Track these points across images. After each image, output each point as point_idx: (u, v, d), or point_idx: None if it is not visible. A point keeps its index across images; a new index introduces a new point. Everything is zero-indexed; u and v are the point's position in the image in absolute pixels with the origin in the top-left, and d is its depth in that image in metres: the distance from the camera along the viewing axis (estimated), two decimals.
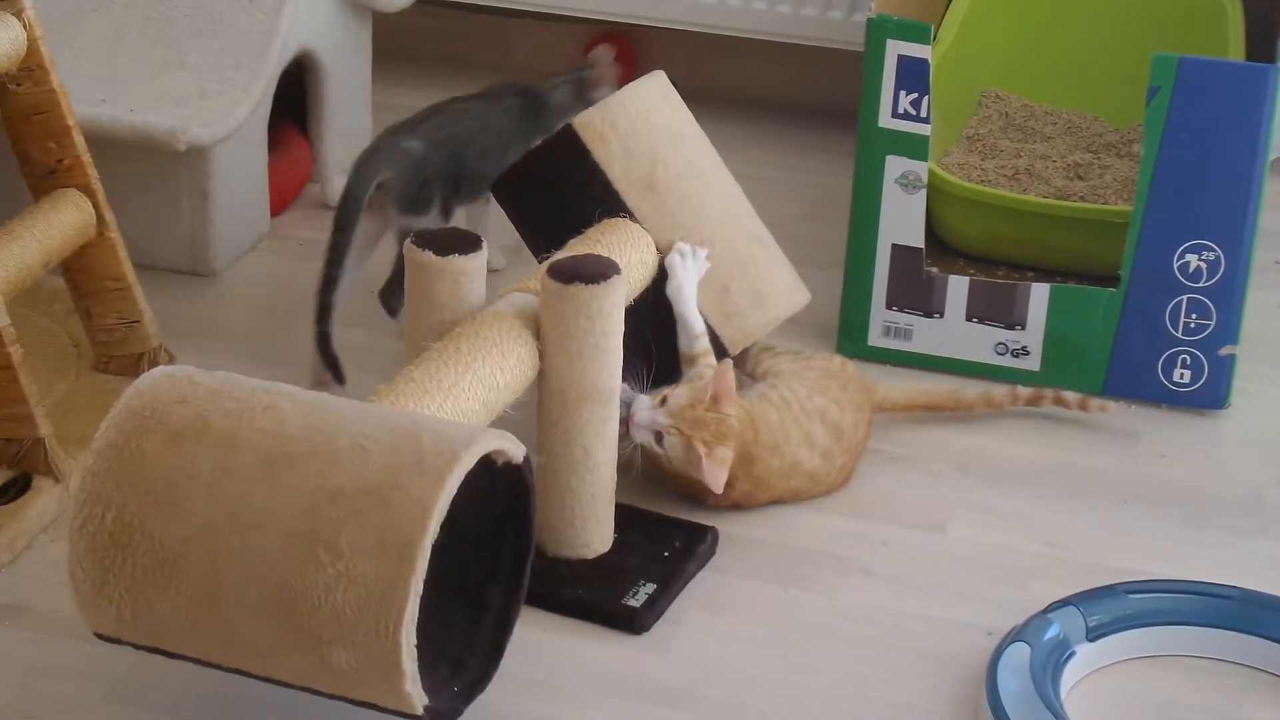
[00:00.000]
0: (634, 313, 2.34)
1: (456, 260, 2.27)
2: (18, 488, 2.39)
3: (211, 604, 1.86)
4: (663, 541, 2.36)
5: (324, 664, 1.84)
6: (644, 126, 2.53)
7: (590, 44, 3.61)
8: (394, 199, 2.68)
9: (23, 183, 2.57)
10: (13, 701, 2.06)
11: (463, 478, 1.85)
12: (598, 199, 2.50)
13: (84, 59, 2.99)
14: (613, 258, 2.38)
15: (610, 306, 2.21)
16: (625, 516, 2.37)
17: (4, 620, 2.20)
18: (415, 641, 1.82)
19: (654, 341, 2.41)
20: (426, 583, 1.82)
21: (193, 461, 1.88)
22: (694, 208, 2.53)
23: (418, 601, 1.81)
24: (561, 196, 2.48)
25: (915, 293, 2.77)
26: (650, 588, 2.28)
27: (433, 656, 1.90)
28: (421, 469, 1.84)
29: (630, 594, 2.27)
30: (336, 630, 1.82)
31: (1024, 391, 2.66)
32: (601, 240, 2.46)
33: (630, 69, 3.66)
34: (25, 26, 2.43)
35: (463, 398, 2.11)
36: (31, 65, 2.47)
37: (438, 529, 1.82)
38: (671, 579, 2.30)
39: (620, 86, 2.59)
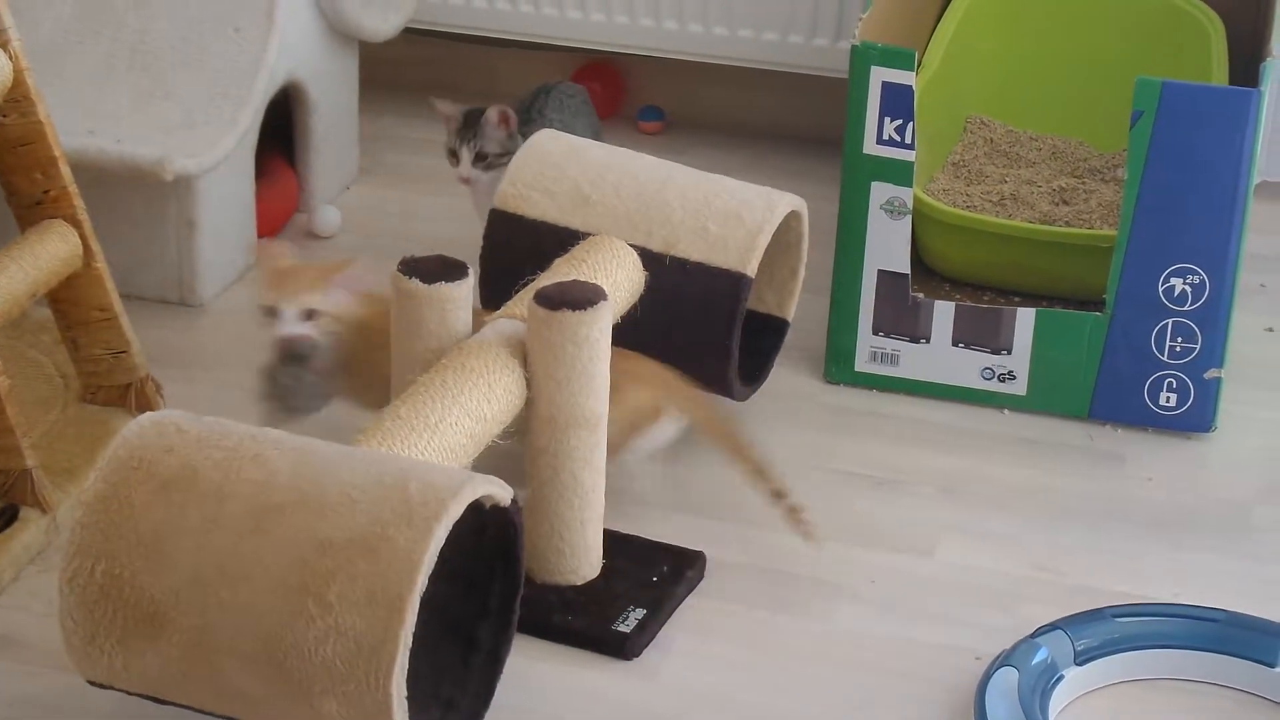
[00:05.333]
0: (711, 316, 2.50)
1: (444, 288, 2.27)
2: (5, 519, 2.39)
3: (202, 655, 1.87)
4: (651, 567, 2.37)
5: (316, 714, 1.85)
6: (547, 165, 2.63)
7: (577, 73, 3.62)
8: None
9: (8, 213, 2.57)
10: None
11: (450, 527, 1.85)
12: (559, 244, 2.54)
13: (71, 89, 2.99)
14: (599, 278, 2.39)
15: (598, 332, 2.22)
16: (613, 542, 2.37)
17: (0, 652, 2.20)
18: (405, 693, 1.83)
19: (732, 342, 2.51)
20: (416, 624, 1.82)
21: (181, 513, 1.89)
22: (633, 191, 2.59)
23: (408, 653, 1.81)
24: (532, 269, 2.48)
25: (901, 318, 2.77)
26: (640, 613, 2.28)
27: (424, 698, 1.90)
28: (410, 520, 1.84)
29: (620, 620, 2.27)
30: (327, 682, 1.82)
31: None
32: (587, 260, 2.47)
33: (618, 97, 3.67)
34: (11, 58, 2.43)
35: (450, 433, 2.12)
36: (18, 96, 2.47)
37: (426, 581, 1.82)
38: (661, 604, 2.31)
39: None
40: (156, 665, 1.89)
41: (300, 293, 2.34)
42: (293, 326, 2.34)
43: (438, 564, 1.84)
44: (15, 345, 2.73)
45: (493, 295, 2.53)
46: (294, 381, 2.39)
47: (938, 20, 3.29)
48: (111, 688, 1.96)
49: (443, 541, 1.84)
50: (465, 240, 2.80)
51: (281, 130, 3.26)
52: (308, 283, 2.35)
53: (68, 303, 2.60)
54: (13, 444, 2.38)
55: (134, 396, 2.64)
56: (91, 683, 1.96)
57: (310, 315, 2.34)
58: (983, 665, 2.19)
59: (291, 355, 2.37)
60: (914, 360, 2.79)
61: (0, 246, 2.48)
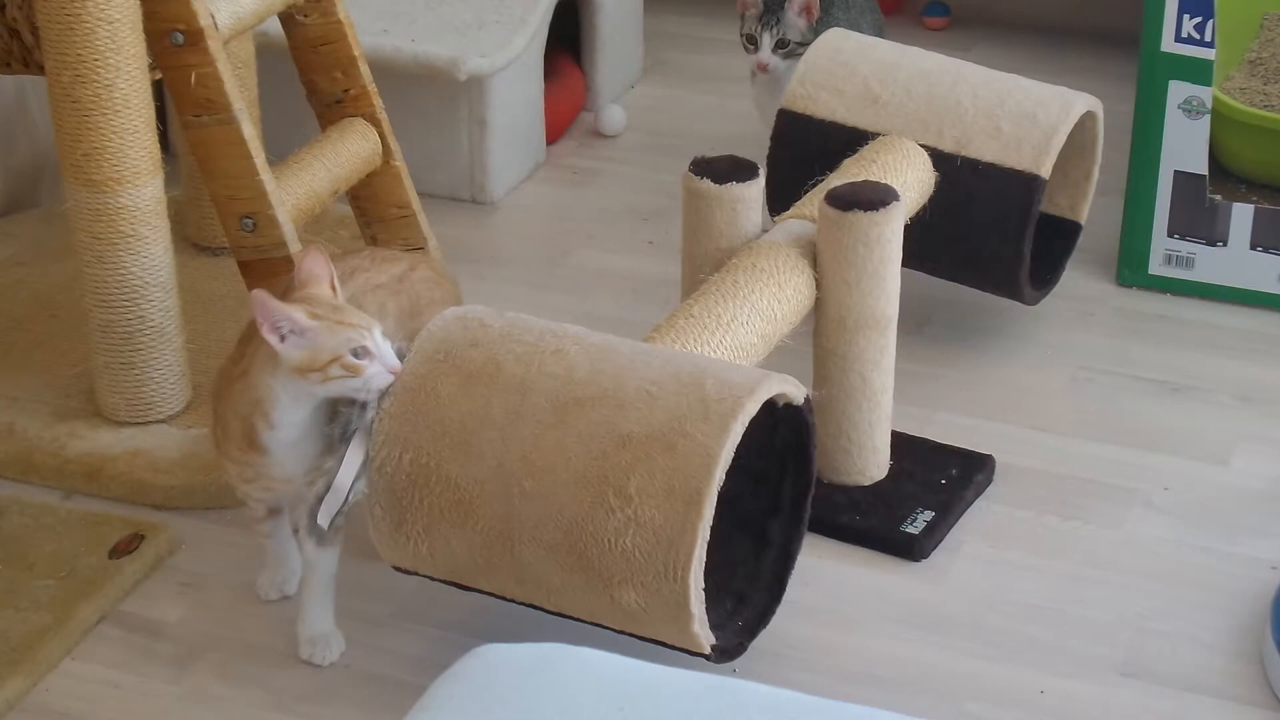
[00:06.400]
0: None
1: (734, 188, 2.28)
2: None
3: (505, 543, 1.91)
4: (939, 470, 2.36)
5: (613, 603, 1.89)
6: (836, 64, 2.60)
7: None
8: None
9: (309, 112, 2.63)
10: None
11: (746, 424, 1.87)
12: (847, 144, 2.52)
13: None
14: (890, 179, 2.37)
15: (889, 233, 2.21)
16: (901, 444, 2.37)
17: None
18: (703, 584, 1.85)
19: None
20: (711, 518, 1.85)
21: (486, 405, 1.93)
22: (923, 90, 2.56)
23: (705, 546, 1.84)
24: (820, 170, 2.47)
25: (1198, 221, 2.71)
26: (928, 515, 2.28)
27: (716, 591, 1.92)
28: (707, 416, 1.86)
29: (908, 521, 2.27)
30: (626, 572, 1.86)
31: None
32: (877, 160, 2.46)
33: None
34: None
35: (741, 332, 2.13)
36: None
37: (724, 476, 1.84)
38: (949, 507, 2.30)
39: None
40: (461, 551, 1.94)
41: (364, 317, 1.97)
42: (391, 348, 1.97)
43: (732, 460, 1.86)
44: (316, 241, 2.80)
45: (780, 196, 2.54)
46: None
47: None
48: (416, 573, 2.02)
49: (739, 437, 1.86)
50: (747, 139, 2.81)
51: (568, 31, 3.29)
52: (348, 308, 1.98)
53: (367, 200, 2.66)
54: None
55: None
56: (396, 568, 2.03)
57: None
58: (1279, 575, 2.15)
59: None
60: (1210, 264, 2.73)
61: (301, 145, 2.55)
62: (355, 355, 1.93)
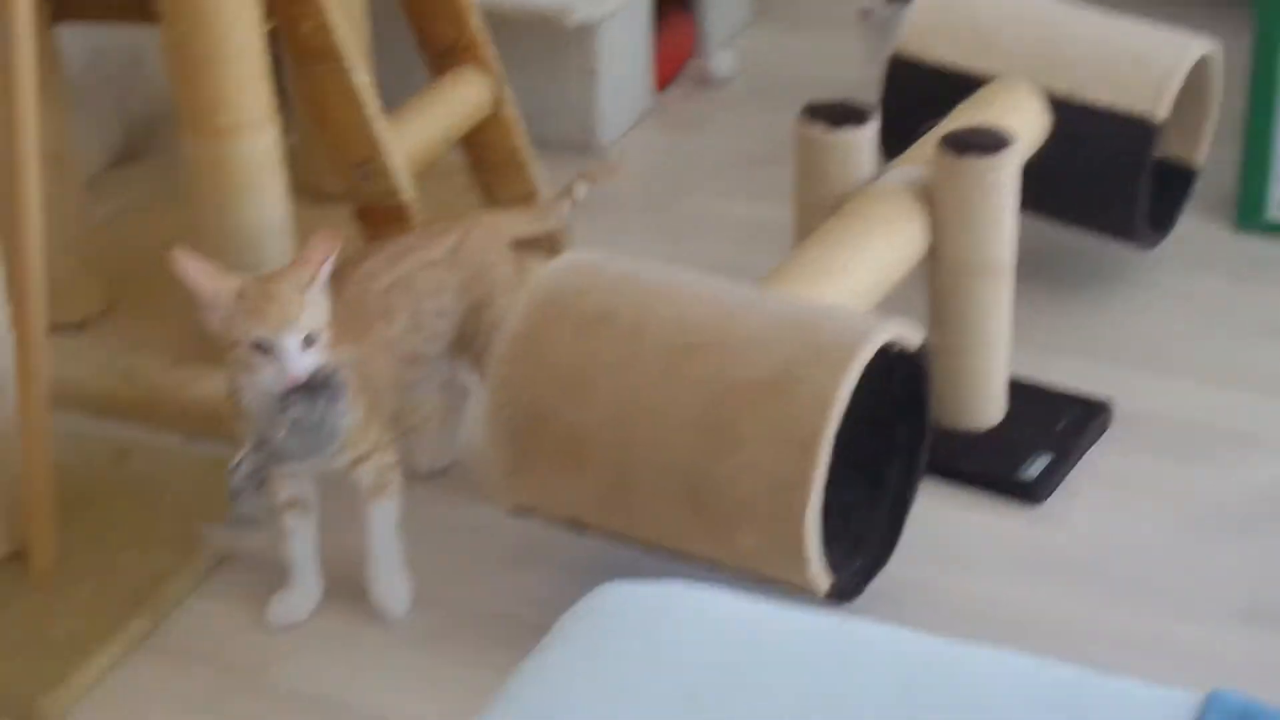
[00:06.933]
0: None
1: (847, 133, 2.27)
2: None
3: (621, 486, 1.92)
4: (1056, 414, 2.35)
5: (729, 546, 1.90)
6: (948, 9, 2.59)
7: None
8: None
9: (420, 61, 2.64)
10: (428, 556, 2.15)
11: (861, 369, 1.86)
12: (960, 89, 2.50)
13: None
14: (1004, 123, 2.36)
15: (1006, 178, 2.19)
16: (1017, 389, 2.36)
17: (426, 481, 2.29)
18: (819, 528, 1.85)
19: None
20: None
21: (600, 350, 1.94)
22: (1036, 34, 2.54)
23: (821, 490, 1.84)
24: (933, 115, 2.45)
25: None
26: (1045, 459, 2.27)
27: (833, 533, 1.93)
28: (821, 361, 1.86)
29: (1025, 466, 2.26)
30: (742, 515, 1.87)
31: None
32: (991, 105, 2.44)
33: None
34: None
35: (854, 278, 2.13)
36: None
37: (839, 420, 1.84)
38: (1066, 451, 2.29)
39: None
40: (577, 495, 1.95)
41: (284, 315, 1.86)
42: (301, 358, 1.87)
43: (847, 405, 1.86)
44: (431, 189, 2.81)
45: (892, 141, 2.52)
46: (320, 419, 1.91)
47: None
48: (532, 516, 2.04)
49: (854, 383, 1.86)
50: (859, 84, 2.80)
51: None
52: (285, 300, 1.87)
53: (479, 147, 2.68)
54: None
55: (544, 238, 2.70)
56: (513, 511, 2.04)
57: (310, 340, 1.88)
58: None
59: (315, 389, 1.90)
60: None
61: (413, 94, 2.56)
62: (255, 349, 1.85)
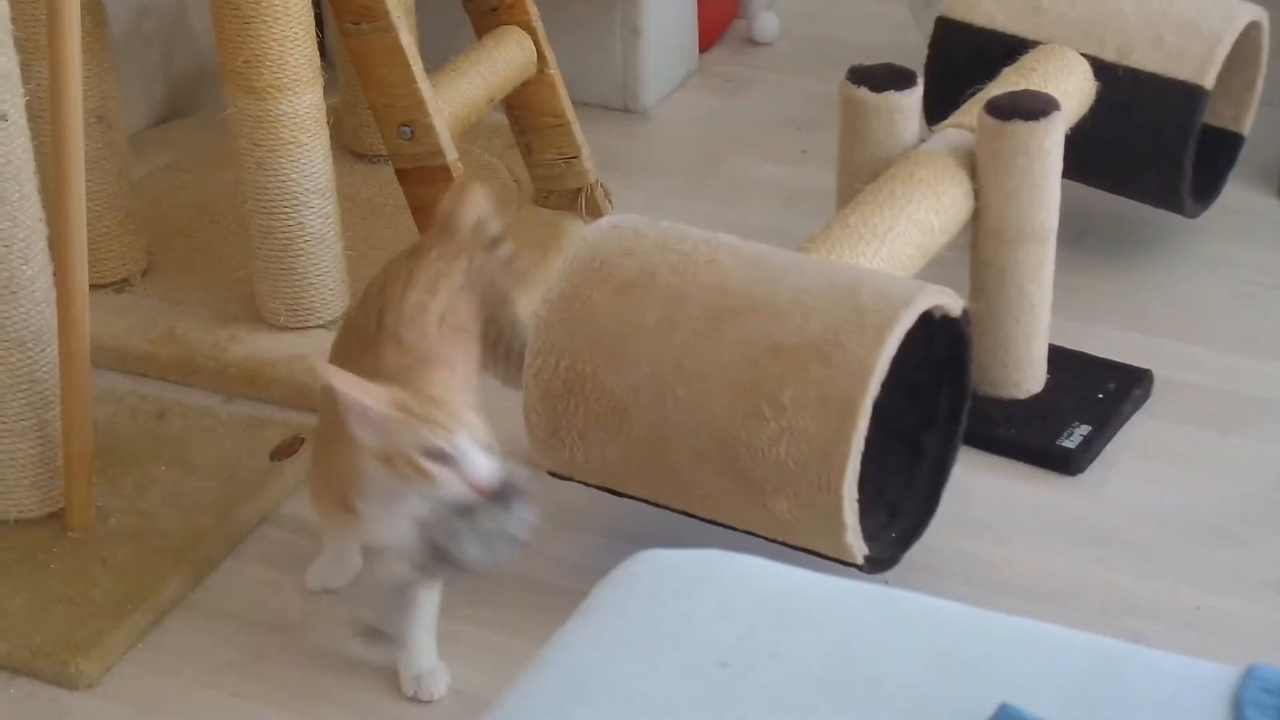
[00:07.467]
0: None
1: (892, 97, 2.25)
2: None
3: (659, 450, 1.92)
4: (1096, 383, 2.34)
5: (766, 512, 1.89)
6: None
7: None
8: None
9: (465, 20, 2.64)
10: None
11: (902, 336, 1.86)
12: (1006, 53, 2.48)
13: None
14: (1050, 88, 2.34)
15: (1050, 144, 2.18)
16: (1058, 357, 2.35)
17: None
18: (856, 495, 1.85)
19: None
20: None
21: (640, 313, 1.93)
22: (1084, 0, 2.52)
23: (859, 458, 1.83)
24: (979, 79, 2.43)
25: None
26: (1084, 429, 2.26)
27: (870, 502, 1.92)
28: (862, 327, 1.85)
29: (1064, 435, 2.25)
30: (779, 482, 1.86)
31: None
32: (1037, 69, 2.43)
33: None
34: None
35: (897, 243, 2.12)
36: None
37: (878, 387, 1.83)
38: (1106, 421, 2.28)
39: None
40: (616, 458, 1.95)
41: (458, 418, 1.71)
42: (488, 462, 1.71)
43: (887, 372, 1.85)
44: (471, 149, 2.82)
45: (937, 106, 2.51)
46: (509, 526, 1.72)
47: None
48: (570, 479, 2.04)
49: (894, 350, 1.85)
50: (904, 47, 2.78)
51: None
52: (454, 403, 1.73)
53: (522, 108, 2.67)
54: None
55: (584, 200, 2.71)
56: (551, 474, 2.04)
57: (487, 443, 1.73)
58: None
59: (503, 495, 1.72)
60: None
61: (457, 53, 2.55)
62: (430, 457, 1.70)
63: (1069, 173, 2.28)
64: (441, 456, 1.69)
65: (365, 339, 1.88)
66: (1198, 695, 1.21)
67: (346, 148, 2.86)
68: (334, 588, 2.08)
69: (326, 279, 2.44)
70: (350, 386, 1.71)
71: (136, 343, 2.46)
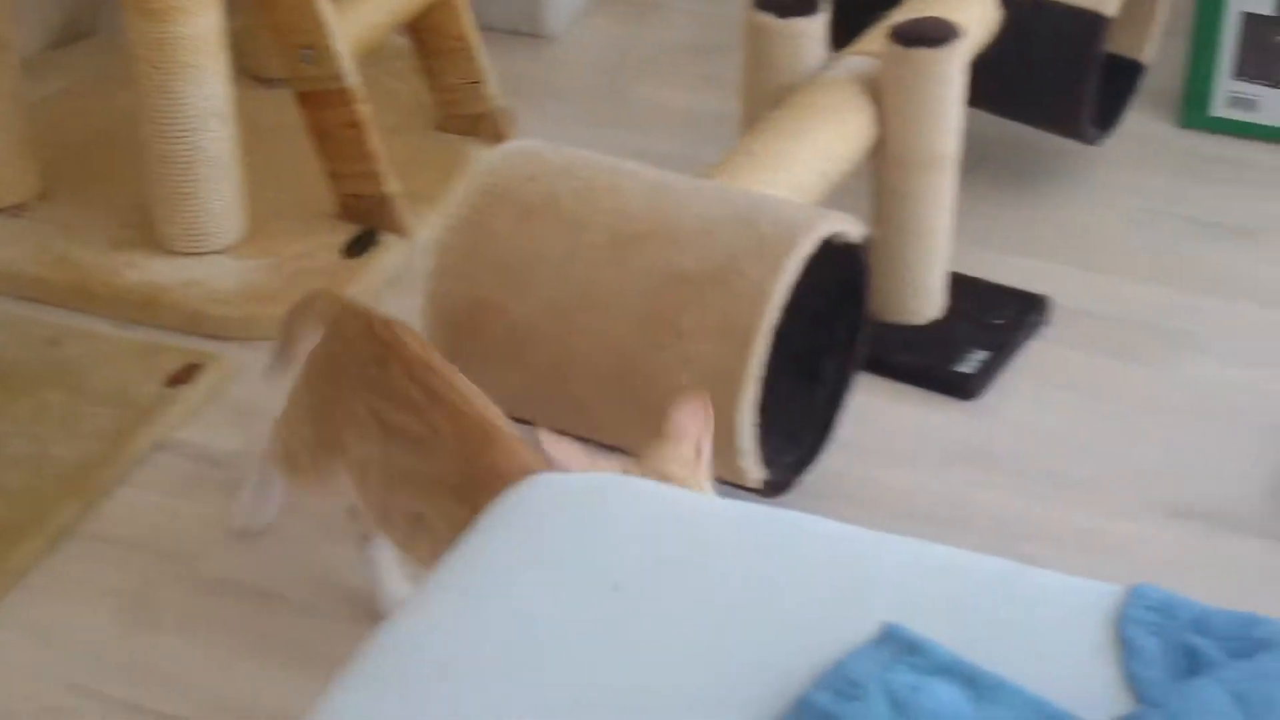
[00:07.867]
0: None
1: (797, 23, 2.25)
2: (364, 243, 2.47)
3: (560, 378, 1.92)
4: (995, 309, 2.35)
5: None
6: None
7: None
8: None
9: None
10: None
11: (802, 262, 1.86)
12: None
13: None
14: (954, 16, 2.34)
15: (953, 71, 2.18)
16: (957, 284, 2.36)
17: None
18: (754, 421, 1.85)
19: None
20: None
21: (543, 241, 1.92)
22: None
23: (757, 384, 1.84)
24: (885, 6, 2.42)
25: (1265, 63, 2.67)
26: (982, 355, 2.27)
27: (768, 428, 1.93)
28: (761, 254, 1.85)
29: (962, 360, 2.27)
30: None
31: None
32: None
33: None
34: None
35: (799, 170, 2.11)
36: None
37: (777, 314, 1.83)
38: (1003, 347, 2.30)
39: None
40: (516, 384, 1.94)
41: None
42: None
43: (787, 298, 1.85)
44: (374, 74, 2.78)
45: (842, 32, 2.50)
46: None
47: None
48: None
49: (794, 276, 1.85)
50: None
51: None
52: (686, 481, 1.59)
53: (426, 32, 2.65)
54: (373, 169, 2.45)
55: (488, 126, 2.69)
56: None
57: None
58: None
59: None
60: (1274, 106, 2.70)
61: None
62: None
63: (971, 100, 2.29)
64: None
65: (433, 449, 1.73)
66: (1082, 614, 1.22)
67: (247, 72, 2.83)
68: (255, 526, 2.05)
69: (224, 204, 2.42)
70: (569, 458, 1.58)
71: (30, 268, 2.43)
